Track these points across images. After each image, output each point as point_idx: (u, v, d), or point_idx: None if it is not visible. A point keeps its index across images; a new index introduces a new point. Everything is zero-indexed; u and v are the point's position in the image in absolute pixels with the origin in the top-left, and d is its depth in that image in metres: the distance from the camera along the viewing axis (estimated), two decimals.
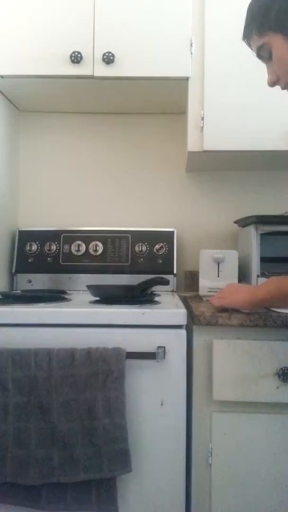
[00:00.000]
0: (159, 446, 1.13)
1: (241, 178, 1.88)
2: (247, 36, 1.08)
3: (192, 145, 1.54)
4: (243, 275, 1.56)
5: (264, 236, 1.49)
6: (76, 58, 1.51)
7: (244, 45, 1.10)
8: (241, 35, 1.09)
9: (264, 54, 1.06)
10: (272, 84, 1.08)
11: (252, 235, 1.49)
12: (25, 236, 1.79)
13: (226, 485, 1.16)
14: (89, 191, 1.92)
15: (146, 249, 1.76)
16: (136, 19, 1.53)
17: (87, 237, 1.78)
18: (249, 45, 1.09)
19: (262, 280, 1.40)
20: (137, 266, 1.75)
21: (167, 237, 1.78)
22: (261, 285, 1.14)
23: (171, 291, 1.72)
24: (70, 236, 1.79)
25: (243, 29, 1.08)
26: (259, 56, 1.08)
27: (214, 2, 1.52)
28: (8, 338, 1.12)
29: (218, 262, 1.48)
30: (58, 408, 1.07)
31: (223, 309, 1.18)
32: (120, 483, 1.11)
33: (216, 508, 1.16)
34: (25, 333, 1.13)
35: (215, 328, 1.15)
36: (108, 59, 1.51)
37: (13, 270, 1.77)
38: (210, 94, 1.52)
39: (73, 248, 1.77)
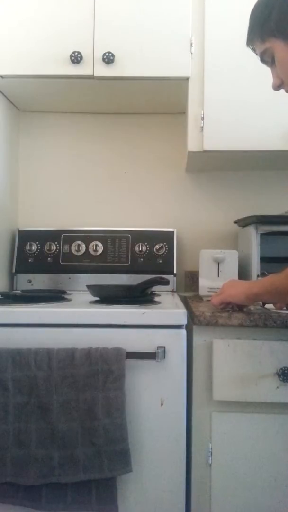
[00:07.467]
0: (159, 446, 1.13)
1: (241, 178, 1.88)
2: (251, 41, 1.10)
3: (192, 145, 1.54)
4: (243, 275, 1.56)
5: (264, 236, 1.49)
6: (76, 58, 1.51)
7: (244, 45, 1.11)
8: (244, 38, 1.12)
9: (267, 58, 1.08)
10: (276, 88, 1.10)
11: (252, 235, 1.50)
12: (25, 236, 1.79)
13: (226, 485, 1.16)
14: (89, 191, 1.91)
15: (146, 249, 1.76)
16: (136, 19, 1.53)
17: (87, 237, 1.78)
18: (253, 50, 1.11)
19: None
20: (137, 266, 1.75)
21: (167, 237, 1.78)
22: (259, 280, 1.19)
23: (171, 291, 1.72)
24: (70, 236, 1.79)
25: (246, 35, 1.10)
26: (262, 61, 1.10)
27: (214, 2, 1.52)
28: (8, 338, 1.12)
29: (218, 262, 1.48)
30: (58, 408, 1.07)
31: (223, 307, 1.19)
32: (120, 483, 1.11)
33: (216, 508, 1.16)
34: (25, 333, 1.13)
35: (215, 328, 1.15)
36: (108, 59, 1.51)
37: (13, 270, 1.77)
38: (210, 94, 1.52)
39: (73, 248, 1.77)
